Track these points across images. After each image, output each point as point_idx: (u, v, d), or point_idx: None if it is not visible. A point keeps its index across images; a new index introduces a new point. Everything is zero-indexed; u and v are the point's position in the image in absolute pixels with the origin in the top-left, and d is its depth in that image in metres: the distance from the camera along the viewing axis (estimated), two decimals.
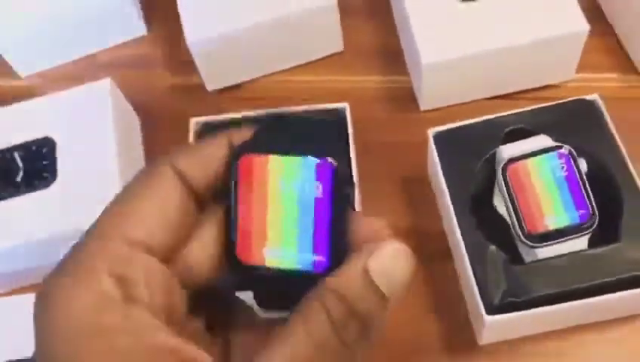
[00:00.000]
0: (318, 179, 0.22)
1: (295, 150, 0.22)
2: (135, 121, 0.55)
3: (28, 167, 0.49)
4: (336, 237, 0.22)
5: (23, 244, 0.46)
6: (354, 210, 0.23)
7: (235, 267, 0.23)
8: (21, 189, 0.48)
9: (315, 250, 0.22)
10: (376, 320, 0.22)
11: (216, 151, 0.24)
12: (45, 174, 0.48)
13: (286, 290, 0.22)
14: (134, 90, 0.56)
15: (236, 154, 0.23)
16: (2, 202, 0.48)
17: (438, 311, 0.46)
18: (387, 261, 0.22)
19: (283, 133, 0.24)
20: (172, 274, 0.23)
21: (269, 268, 0.22)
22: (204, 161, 0.24)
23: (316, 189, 0.22)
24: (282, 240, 0.22)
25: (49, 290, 0.21)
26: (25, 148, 0.49)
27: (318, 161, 0.22)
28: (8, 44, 0.58)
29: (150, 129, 0.56)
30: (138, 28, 0.61)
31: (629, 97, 0.52)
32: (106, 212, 0.23)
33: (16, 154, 0.49)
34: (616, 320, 0.43)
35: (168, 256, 0.23)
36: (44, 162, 0.49)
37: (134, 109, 0.56)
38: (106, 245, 0.22)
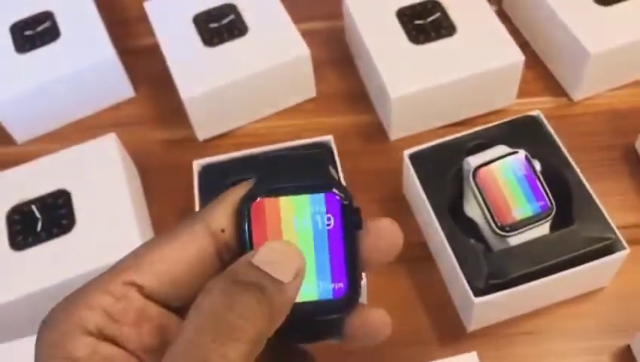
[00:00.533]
0: (328, 211, 0.24)
1: (301, 188, 0.24)
2: (134, 171, 0.61)
3: (46, 218, 0.53)
4: (351, 262, 0.24)
5: (50, 288, 0.50)
6: (361, 228, 0.25)
7: None
8: (42, 237, 0.53)
9: (334, 279, 0.24)
10: (272, 295, 0.22)
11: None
12: (64, 221, 0.53)
13: (309, 321, 0.24)
14: (128, 146, 0.61)
15: (246, 200, 0.24)
16: (26, 250, 0.52)
17: (426, 308, 0.53)
18: (268, 253, 0.23)
19: (283, 174, 0.25)
20: (180, 320, 0.24)
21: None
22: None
23: (328, 221, 0.24)
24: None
25: (47, 317, 0.23)
26: (41, 200, 0.54)
27: (326, 195, 0.24)
28: (6, 112, 0.63)
29: (148, 178, 0.62)
30: (126, 91, 0.67)
31: (561, 115, 0.62)
32: (128, 254, 0.24)
33: (33, 207, 0.54)
34: (581, 296, 0.51)
35: (180, 305, 0.24)
36: (61, 211, 0.54)
37: None
38: (107, 281, 0.23)
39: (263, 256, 0.23)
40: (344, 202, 0.24)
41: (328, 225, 0.24)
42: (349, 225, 0.24)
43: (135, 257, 0.24)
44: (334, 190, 0.24)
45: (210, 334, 0.21)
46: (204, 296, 0.22)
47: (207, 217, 0.24)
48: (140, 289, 0.23)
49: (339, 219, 0.24)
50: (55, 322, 0.23)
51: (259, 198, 0.24)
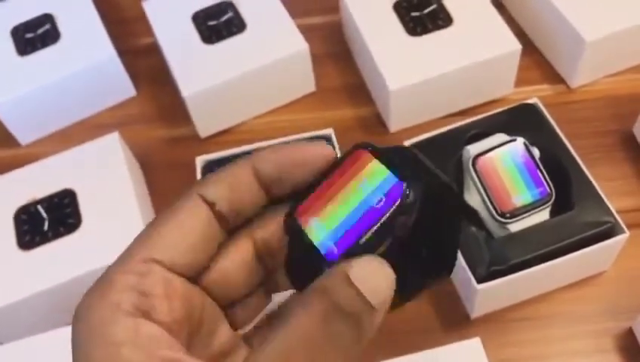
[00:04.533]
0: (384, 194, 0.23)
1: (395, 168, 0.24)
2: (138, 169, 0.61)
3: (52, 217, 0.54)
4: (365, 247, 0.23)
5: (58, 286, 0.51)
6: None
7: (287, 223, 0.25)
8: (49, 237, 0.53)
9: (337, 242, 0.24)
10: (364, 323, 0.22)
11: (241, 176, 0.26)
12: (70, 221, 0.54)
13: (301, 262, 0.24)
14: (131, 144, 0.62)
15: (358, 146, 0.25)
16: (34, 250, 0.53)
17: (430, 296, 0.53)
18: (366, 271, 0.23)
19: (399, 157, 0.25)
20: (198, 290, 0.25)
21: (302, 234, 0.24)
22: (231, 188, 0.26)
23: (378, 201, 0.23)
24: (328, 221, 0.24)
25: (79, 304, 0.23)
26: (47, 201, 0.55)
27: (396, 181, 0.23)
28: (10, 114, 0.64)
29: (151, 175, 0.62)
30: (127, 90, 0.68)
31: (559, 102, 0.62)
32: (136, 237, 0.25)
33: (39, 207, 0.55)
34: (582, 281, 0.52)
35: (194, 275, 0.25)
36: (67, 210, 0.54)
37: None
38: (127, 263, 0.24)
39: (361, 272, 0.22)
40: (404, 197, 0.23)
41: (374, 203, 0.23)
42: (394, 222, 0.23)
43: (145, 236, 0.25)
44: (405, 183, 0.23)
45: (302, 360, 0.22)
46: (301, 313, 0.22)
47: (206, 191, 0.25)
48: (160, 263, 0.24)
49: (386, 205, 0.23)
50: (90, 311, 0.23)
51: (365, 149, 0.24)
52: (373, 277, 0.23)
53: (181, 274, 0.25)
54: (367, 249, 0.23)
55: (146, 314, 0.23)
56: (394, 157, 0.24)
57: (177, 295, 0.24)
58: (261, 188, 0.26)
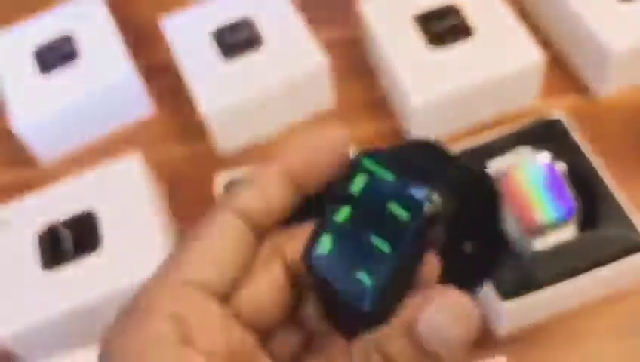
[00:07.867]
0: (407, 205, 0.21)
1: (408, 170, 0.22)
2: (159, 188, 0.61)
3: (74, 238, 0.54)
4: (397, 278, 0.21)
5: (78, 306, 0.51)
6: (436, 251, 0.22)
7: (308, 266, 0.24)
8: (69, 258, 0.53)
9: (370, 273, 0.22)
10: None
11: (269, 179, 0.25)
12: (92, 241, 0.54)
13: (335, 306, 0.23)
14: (151, 162, 0.61)
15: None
16: (56, 270, 0.53)
17: None
18: (440, 317, 0.21)
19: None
20: (235, 321, 0.23)
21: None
22: (262, 194, 0.25)
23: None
24: None
25: (109, 330, 0.22)
26: (69, 222, 0.55)
27: (417, 189, 0.21)
28: (32, 134, 0.64)
29: (172, 193, 0.62)
30: (147, 108, 0.68)
31: (586, 113, 0.60)
32: (166, 258, 0.24)
33: (61, 228, 0.55)
34: (611, 297, 0.50)
35: (229, 292, 0.24)
36: (89, 231, 0.54)
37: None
38: (163, 286, 0.23)
39: (432, 318, 0.21)
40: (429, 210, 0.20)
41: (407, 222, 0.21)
42: (424, 235, 0.21)
43: (178, 255, 0.23)
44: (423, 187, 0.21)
45: None
46: None
47: (237, 202, 0.24)
48: (197, 283, 0.23)
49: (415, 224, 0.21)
50: (126, 340, 0.21)
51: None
52: (449, 325, 0.21)
53: (217, 294, 0.23)
54: (404, 273, 0.21)
55: (187, 342, 0.21)
56: (406, 156, 0.23)
57: (216, 324, 0.22)
58: (290, 186, 0.25)
